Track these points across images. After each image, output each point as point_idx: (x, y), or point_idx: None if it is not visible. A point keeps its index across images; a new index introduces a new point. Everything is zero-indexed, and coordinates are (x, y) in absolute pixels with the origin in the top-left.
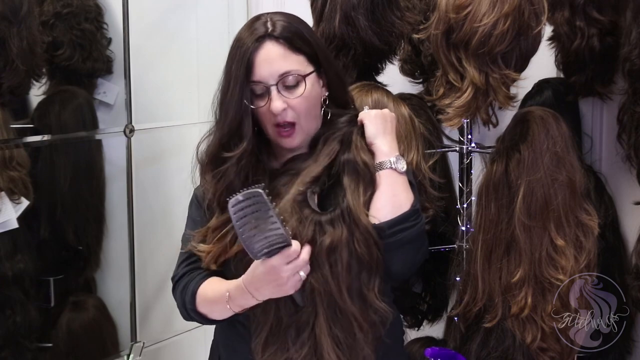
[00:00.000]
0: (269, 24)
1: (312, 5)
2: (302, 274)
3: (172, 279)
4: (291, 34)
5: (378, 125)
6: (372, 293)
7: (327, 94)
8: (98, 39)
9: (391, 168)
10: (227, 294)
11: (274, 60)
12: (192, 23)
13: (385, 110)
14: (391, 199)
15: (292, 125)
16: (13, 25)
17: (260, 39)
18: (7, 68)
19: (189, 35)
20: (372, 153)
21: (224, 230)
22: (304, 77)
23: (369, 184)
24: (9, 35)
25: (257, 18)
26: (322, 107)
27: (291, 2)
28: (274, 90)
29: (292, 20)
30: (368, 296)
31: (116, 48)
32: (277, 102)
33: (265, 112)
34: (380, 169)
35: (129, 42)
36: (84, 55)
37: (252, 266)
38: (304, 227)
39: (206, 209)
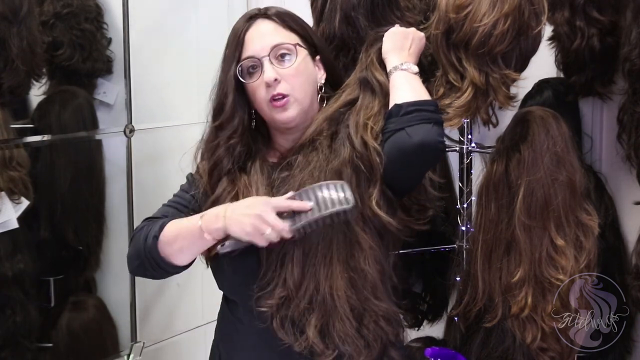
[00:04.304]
0: (262, 8)
1: (312, 5)
2: (268, 232)
3: (135, 230)
4: (284, 15)
5: (395, 42)
6: (371, 202)
7: (323, 81)
8: (98, 39)
9: (402, 70)
10: (201, 217)
11: (265, 34)
12: (192, 23)
13: (412, 29)
14: (409, 89)
15: (285, 96)
16: (13, 25)
17: (252, 18)
18: (7, 68)
19: (189, 35)
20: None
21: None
22: (295, 45)
23: (384, 100)
24: (9, 35)
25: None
26: (318, 92)
27: (291, 2)
28: (265, 61)
29: (286, 10)
30: (371, 207)
31: (116, 48)
32: (269, 72)
33: (259, 85)
34: (391, 75)
35: (129, 42)
36: (84, 55)
37: (246, 199)
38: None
39: (201, 195)
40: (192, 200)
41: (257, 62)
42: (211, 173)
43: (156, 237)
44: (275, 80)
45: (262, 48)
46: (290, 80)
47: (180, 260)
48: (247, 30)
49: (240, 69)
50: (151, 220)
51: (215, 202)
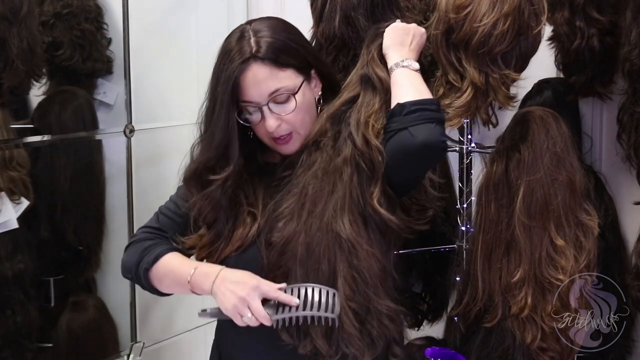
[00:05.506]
0: (252, 43)
1: (312, 5)
2: (248, 316)
3: (132, 238)
4: (276, 50)
5: (396, 37)
6: (373, 201)
7: (320, 92)
8: (98, 39)
9: (403, 67)
10: (194, 270)
11: (261, 81)
12: (192, 23)
13: (412, 25)
14: (411, 87)
15: (288, 134)
16: (13, 25)
17: (246, 62)
18: (7, 68)
19: (189, 35)
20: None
21: (211, 249)
22: (294, 94)
23: (385, 97)
24: (9, 35)
25: (241, 35)
26: (317, 106)
27: (291, 2)
28: (265, 109)
29: (275, 31)
30: (372, 205)
31: (116, 48)
32: (271, 121)
33: (261, 128)
34: (392, 72)
35: (129, 42)
36: (84, 55)
37: (240, 272)
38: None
39: (192, 223)
40: (188, 209)
41: (257, 107)
42: (206, 216)
43: (147, 270)
44: (278, 126)
45: (259, 96)
46: (292, 121)
47: (168, 292)
48: (241, 74)
49: (238, 111)
50: (147, 230)
51: (217, 237)
